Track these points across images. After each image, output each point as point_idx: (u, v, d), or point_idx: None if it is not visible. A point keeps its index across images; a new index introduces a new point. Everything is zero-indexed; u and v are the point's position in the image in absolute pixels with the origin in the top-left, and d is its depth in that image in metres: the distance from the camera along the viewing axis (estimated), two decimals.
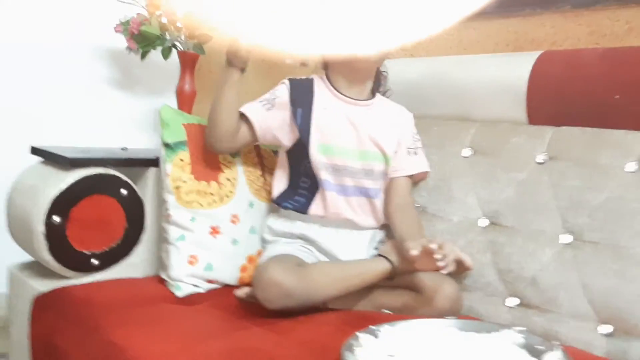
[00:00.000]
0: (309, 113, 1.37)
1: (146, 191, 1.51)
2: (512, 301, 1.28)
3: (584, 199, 1.23)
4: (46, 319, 1.32)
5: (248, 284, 1.35)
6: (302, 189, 1.40)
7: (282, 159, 1.44)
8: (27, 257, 1.52)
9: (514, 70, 1.43)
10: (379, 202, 1.41)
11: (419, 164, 1.46)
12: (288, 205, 1.39)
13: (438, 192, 1.46)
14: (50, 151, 1.47)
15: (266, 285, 1.15)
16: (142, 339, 1.08)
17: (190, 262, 1.37)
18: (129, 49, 2.02)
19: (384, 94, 1.50)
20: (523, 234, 1.30)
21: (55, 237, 1.34)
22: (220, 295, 1.34)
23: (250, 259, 1.43)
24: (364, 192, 1.39)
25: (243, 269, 1.42)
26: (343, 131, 1.38)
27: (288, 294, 1.15)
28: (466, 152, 1.47)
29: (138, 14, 2.00)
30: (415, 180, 1.48)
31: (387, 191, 1.43)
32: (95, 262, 1.41)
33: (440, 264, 1.15)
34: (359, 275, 1.26)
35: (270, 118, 1.38)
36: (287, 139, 1.39)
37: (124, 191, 1.44)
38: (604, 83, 1.29)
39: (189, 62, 2.10)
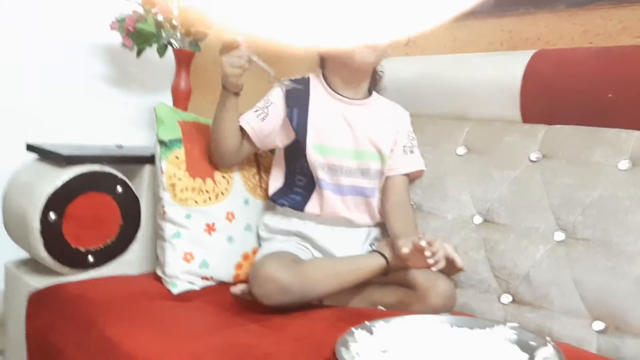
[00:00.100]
0: (305, 113, 1.38)
1: (142, 188, 1.51)
2: (506, 298, 1.29)
3: (577, 196, 1.24)
4: (42, 315, 1.32)
5: (243, 281, 1.36)
6: (298, 187, 1.40)
7: (279, 157, 1.44)
8: (23, 254, 1.52)
9: (508, 69, 1.44)
10: (374, 201, 1.42)
11: (414, 163, 1.47)
12: (284, 202, 1.40)
13: (433, 190, 1.47)
14: (46, 148, 1.47)
15: (262, 281, 1.16)
16: (137, 335, 1.09)
17: (186, 259, 1.37)
18: (125, 46, 2.02)
19: (377, 92, 1.50)
20: (516, 231, 1.31)
21: (51, 234, 1.34)
22: (216, 292, 1.35)
23: (246, 257, 1.44)
24: (360, 192, 1.39)
25: (238, 266, 1.43)
26: (339, 131, 1.38)
27: (284, 289, 1.16)
28: (460, 150, 1.48)
29: (134, 11, 2.00)
30: (411, 178, 1.48)
31: (384, 190, 1.43)
32: (90, 259, 1.41)
33: (429, 261, 1.16)
34: (354, 271, 1.26)
35: (267, 127, 1.39)
36: (283, 139, 1.40)
37: (119, 188, 1.44)
38: (597, 82, 1.30)
39: (184, 59, 2.10)
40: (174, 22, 2.02)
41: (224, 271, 1.41)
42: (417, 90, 1.59)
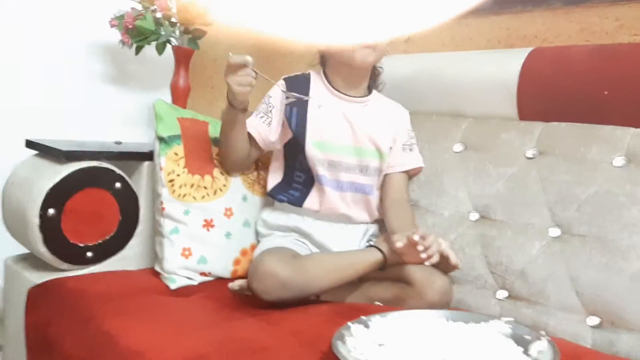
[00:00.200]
0: (305, 110, 1.39)
1: (140, 185, 1.52)
2: (502, 294, 1.29)
3: (573, 193, 1.25)
4: (41, 310, 1.33)
5: (241, 277, 1.37)
6: (296, 183, 1.41)
7: (277, 154, 1.45)
8: (22, 250, 1.53)
9: (504, 67, 1.44)
10: (373, 198, 1.42)
11: (413, 160, 1.48)
12: (282, 198, 1.41)
13: (430, 187, 1.48)
14: (45, 144, 1.48)
15: (262, 276, 1.17)
16: (135, 328, 1.09)
17: (184, 255, 1.38)
18: (123, 43, 2.03)
19: (377, 85, 1.51)
20: (513, 227, 1.31)
21: (50, 230, 1.35)
22: (214, 288, 1.35)
23: (244, 252, 1.45)
24: (359, 188, 1.40)
25: (236, 262, 1.44)
26: (339, 128, 1.39)
27: (284, 284, 1.17)
28: (457, 147, 1.49)
29: (132, 8, 2.01)
30: (410, 175, 1.49)
31: (383, 187, 1.44)
32: (89, 254, 1.42)
33: (422, 255, 1.17)
34: (353, 265, 1.27)
35: (272, 131, 1.40)
36: (282, 139, 1.41)
37: (118, 184, 1.45)
38: (593, 79, 1.31)
39: (183, 57, 2.10)
40: (173, 19, 2.03)
41: (222, 267, 1.42)
42: (415, 87, 1.60)
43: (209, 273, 1.41)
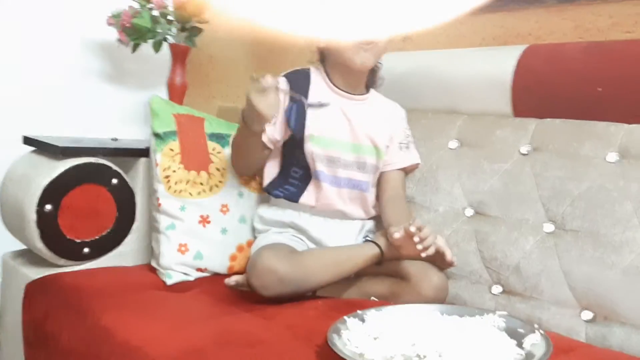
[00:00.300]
0: (304, 107, 1.39)
1: (137, 181, 1.52)
2: (496, 289, 1.30)
3: (566, 188, 1.26)
4: (38, 305, 1.34)
5: (237, 273, 1.38)
6: (293, 178, 1.42)
7: (275, 149, 1.46)
8: (20, 246, 1.53)
9: (499, 64, 1.45)
10: (369, 195, 1.43)
11: (410, 157, 1.49)
12: (279, 193, 1.41)
13: (425, 183, 1.49)
14: (42, 140, 1.49)
15: (260, 272, 1.18)
16: (131, 322, 1.10)
17: (180, 251, 1.39)
18: (120, 41, 2.03)
19: (375, 83, 1.52)
20: (507, 223, 1.32)
21: (47, 225, 1.36)
22: (210, 283, 1.36)
23: (240, 248, 1.46)
24: (356, 185, 1.41)
25: (233, 257, 1.44)
26: (338, 124, 1.40)
27: (282, 280, 1.17)
28: (453, 144, 1.50)
29: (129, 6, 2.01)
30: (407, 171, 1.50)
31: (381, 184, 1.45)
32: (86, 250, 1.43)
33: (418, 246, 1.18)
34: (350, 260, 1.28)
35: (277, 131, 1.41)
36: (282, 133, 1.41)
37: (114, 180, 1.45)
38: (587, 76, 1.32)
39: (180, 54, 2.11)
40: (170, 17, 2.04)
41: (219, 262, 1.43)
42: (411, 84, 1.61)
43: (205, 269, 1.42)
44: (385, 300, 1.27)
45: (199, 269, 1.41)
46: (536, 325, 0.97)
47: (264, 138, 1.39)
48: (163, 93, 2.10)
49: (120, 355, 1.04)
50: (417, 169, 1.51)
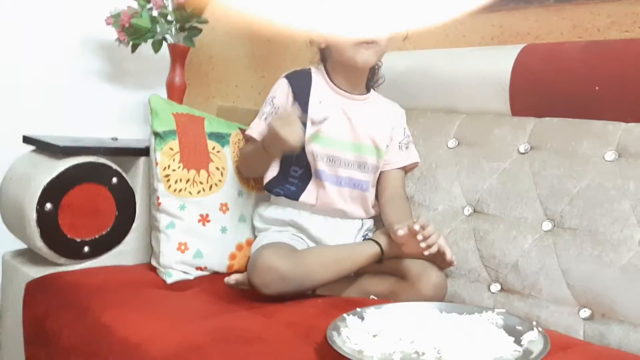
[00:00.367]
0: (305, 107, 1.40)
1: (136, 180, 1.53)
2: (495, 287, 1.31)
3: (565, 187, 1.27)
4: (38, 303, 1.34)
5: (237, 272, 1.39)
6: (293, 177, 1.42)
7: None
8: (20, 246, 1.54)
9: (498, 64, 1.46)
10: (369, 195, 1.44)
11: (409, 157, 1.49)
12: (279, 191, 1.42)
13: (424, 182, 1.49)
14: (42, 140, 1.49)
15: (261, 270, 1.18)
16: (131, 320, 1.11)
17: (180, 250, 1.39)
18: (120, 41, 2.04)
19: (376, 82, 1.52)
20: (505, 221, 1.33)
21: (47, 224, 1.36)
22: (210, 282, 1.37)
23: (240, 247, 1.46)
24: (357, 184, 1.42)
25: (232, 256, 1.45)
26: (338, 124, 1.41)
27: (283, 278, 1.18)
28: (451, 143, 1.50)
29: (129, 6, 2.02)
30: (406, 170, 1.51)
31: (380, 183, 1.46)
32: (86, 249, 1.43)
33: (421, 244, 1.19)
34: (350, 258, 1.29)
35: None
36: None
37: (114, 180, 1.46)
38: (584, 75, 1.33)
39: (179, 54, 2.12)
40: (169, 17, 2.04)
41: (218, 261, 1.43)
42: (409, 84, 1.62)
43: (205, 267, 1.42)
44: (385, 298, 1.27)
45: (199, 268, 1.41)
46: (534, 323, 0.98)
47: (260, 138, 1.40)
48: (162, 93, 2.10)
49: (119, 352, 1.05)
50: (416, 167, 1.51)
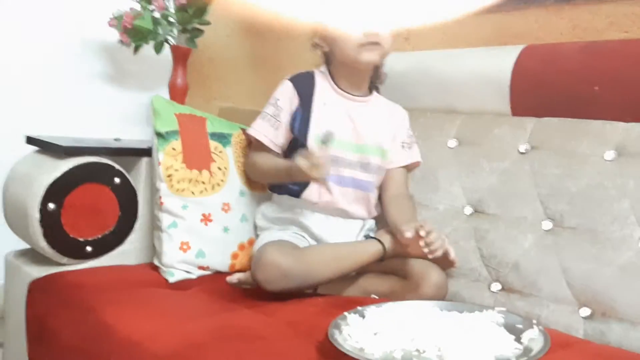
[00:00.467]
0: (309, 109, 1.41)
1: (139, 180, 1.54)
2: (496, 286, 1.31)
3: (564, 186, 1.27)
4: (41, 302, 1.35)
5: (239, 271, 1.39)
6: None
7: None
8: (23, 246, 1.54)
9: (497, 64, 1.47)
10: (372, 195, 1.45)
11: (411, 156, 1.50)
12: (281, 190, 1.43)
13: (424, 182, 1.50)
14: (45, 140, 1.50)
15: (264, 267, 1.19)
16: (133, 319, 1.11)
17: (182, 249, 1.40)
18: (122, 43, 2.05)
19: (378, 78, 1.53)
20: (506, 220, 1.34)
21: (50, 224, 1.37)
22: (212, 281, 1.37)
23: (242, 247, 1.47)
24: (359, 185, 1.42)
25: (234, 256, 1.46)
26: (341, 125, 1.41)
27: (286, 274, 1.19)
28: (452, 143, 1.51)
29: (131, 8, 2.03)
30: (408, 169, 1.52)
31: (383, 182, 1.47)
32: (89, 249, 1.44)
33: (424, 250, 1.20)
34: (353, 256, 1.30)
35: (280, 135, 1.42)
36: (287, 137, 1.43)
37: (117, 180, 1.46)
38: (584, 75, 1.33)
39: (181, 56, 2.13)
40: (171, 19, 2.05)
41: (220, 261, 1.44)
42: (410, 84, 1.62)
43: (207, 267, 1.43)
44: (386, 298, 1.28)
45: (201, 267, 1.42)
46: (534, 321, 0.98)
47: (264, 140, 1.42)
48: (164, 94, 2.11)
49: (122, 351, 1.06)
50: (417, 167, 1.52)
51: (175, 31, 2.08)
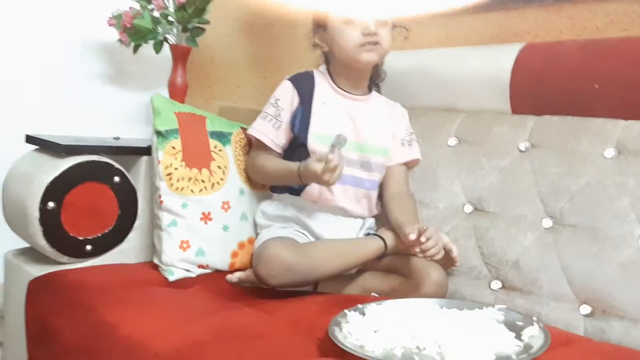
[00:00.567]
0: (309, 108, 1.41)
1: (139, 179, 1.53)
2: (496, 284, 1.31)
3: (564, 184, 1.28)
4: (41, 301, 1.35)
5: (239, 270, 1.39)
6: None
7: None
8: (23, 245, 1.54)
9: (497, 62, 1.47)
10: (373, 194, 1.45)
11: (410, 153, 1.50)
12: (282, 188, 1.43)
13: (425, 181, 1.50)
14: (45, 139, 1.50)
15: (267, 261, 1.19)
16: (134, 318, 1.11)
17: (182, 248, 1.40)
18: (121, 42, 2.05)
19: (378, 76, 1.53)
20: (506, 219, 1.34)
21: (50, 223, 1.37)
22: (212, 280, 1.37)
23: (241, 245, 1.47)
24: (359, 183, 1.42)
25: (234, 254, 1.46)
26: (341, 124, 1.41)
27: (289, 268, 1.19)
28: (452, 141, 1.51)
29: (131, 7, 2.03)
30: (408, 167, 1.52)
31: (383, 180, 1.47)
32: (89, 247, 1.43)
33: (419, 255, 1.22)
34: (355, 252, 1.31)
35: (281, 135, 1.43)
36: (287, 137, 1.43)
37: (117, 178, 1.46)
38: (583, 73, 1.34)
39: (180, 55, 2.12)
40: (170, 18, 2.05)
41: (220, 259, 1.44)
42: (410, 83, 1.63)
43: (207, 265, 1.43)
44: (386, 296, 1.28)
45: (201, 266, 1.42)
46: (534, 318, 0.98)
47: (265, 139, 1.42)
48: (164, 93, 2.09)
49: (122, 350, 1.05)
50: (417, 165, 1.52)
51: (175, 30, 2.08)
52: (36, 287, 1.37)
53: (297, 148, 1.41)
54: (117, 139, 1.69)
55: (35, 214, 1.35)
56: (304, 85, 1.43)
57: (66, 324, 1.22)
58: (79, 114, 2.17)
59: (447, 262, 1.29)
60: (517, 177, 1.35)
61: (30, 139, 1.55)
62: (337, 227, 1.40)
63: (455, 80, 1.55)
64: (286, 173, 1.36)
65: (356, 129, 1.42)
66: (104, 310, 1.16)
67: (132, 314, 1.13)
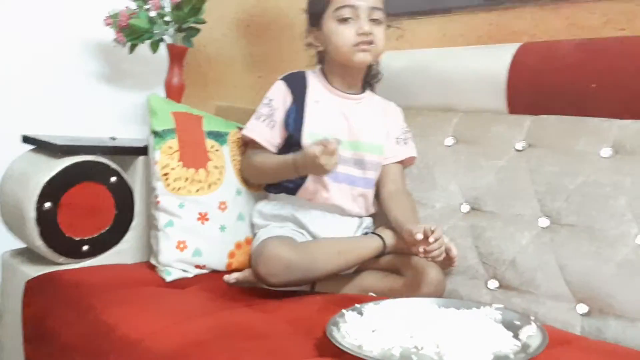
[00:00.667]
0: (302, 105, 1.41)
1: (135, 179, 1.53)
2: (493, 283, 1.31)
3: (561, 184, 1.28)
4: (38, 301, 1.34)
5: (236, 270, 1.39)
6: None
7: None
8: (19, 245, 1.54)
9: (494, 62, 1.47)
10: (369, 192, 1.45)
11: (406, 151, 1.50)
12: (278, 188, 1.43)
13: (422, 180, 1.50)
14: (41, 139, 1.50)
15: (266, 259, 1.19)
16: (132, 318, 1.11)
17: (179, 248, 1.40)
18: (117, 41, 2.04)
19: (374, 77, 1.53)
20: (503, 218, 1.34)
21: (46, 223, 1.37)
22: (209, 280, 1.37)
23: (239, 245, 1.46)
24: (354, 181, 1.42)
25: (231, 255, 1.45)
26: (335, 122, 1.42)
27: (289, 266, 1.19)
28: (449, 141, 1.51)
29: (127, 7, 2.02)
30: (404, 166, 1.52)
31: (380, 179, 1.47)
32: (85, 248, 1.43)
33: (421, 255, 1.21)
34: (354, 250, 1.31)
35: (276, 135, 1.43)
36: (282, 135, 1.43)
37: (113, 179, 1.46)
38: (580, 73, 1.34)
39: (177, 55, 2.12)
40: (167, 18, 2.04)
41: (217, 259, 1.44)
42: (407, 83, 1.63)
43: (204, 265, 1.42)
44: (384, 295, 1.28)
45: (198, 266, 1.42)
46: (532, 317, 0.98)
47: (261, 140, 1.42)
48: (160, 93, 2.11)
49: (121, 349, 1.05)
50: (413, 165, 1.52)
51: (171, 30, 2.08)
52: (33, 288, 1.37)
53: (291, 147, 1.40)
54: (113, 139, 1.69)
55: (31, 214, 1.35)
56: (296, 84, 1.43)
57: (63, 324, 1.22)
58: (76, 114, 2.16)
59: (446, 262, 1.29)
60: (514, 177, 1.35)
61: (26, 139, 1.55)
62: (334, 226, 1.40)
63: (452, 80, 1.55)
64: (282, 166, 1.36)
65: (350, 127, 1.42)
66: (101, 311, 1.16)
67: (129, 314, 1.13)
